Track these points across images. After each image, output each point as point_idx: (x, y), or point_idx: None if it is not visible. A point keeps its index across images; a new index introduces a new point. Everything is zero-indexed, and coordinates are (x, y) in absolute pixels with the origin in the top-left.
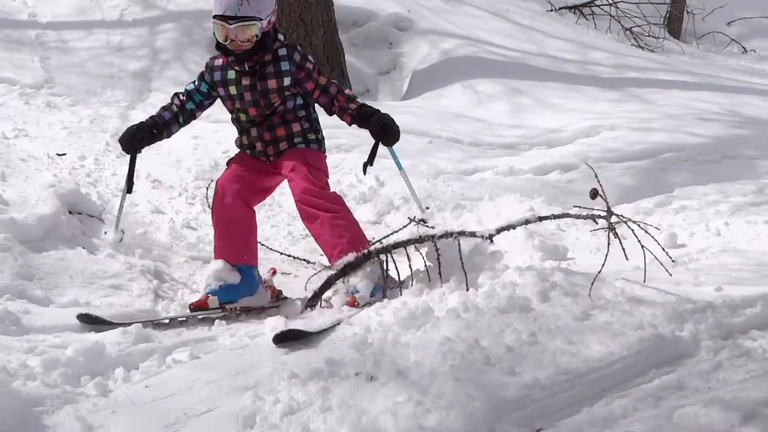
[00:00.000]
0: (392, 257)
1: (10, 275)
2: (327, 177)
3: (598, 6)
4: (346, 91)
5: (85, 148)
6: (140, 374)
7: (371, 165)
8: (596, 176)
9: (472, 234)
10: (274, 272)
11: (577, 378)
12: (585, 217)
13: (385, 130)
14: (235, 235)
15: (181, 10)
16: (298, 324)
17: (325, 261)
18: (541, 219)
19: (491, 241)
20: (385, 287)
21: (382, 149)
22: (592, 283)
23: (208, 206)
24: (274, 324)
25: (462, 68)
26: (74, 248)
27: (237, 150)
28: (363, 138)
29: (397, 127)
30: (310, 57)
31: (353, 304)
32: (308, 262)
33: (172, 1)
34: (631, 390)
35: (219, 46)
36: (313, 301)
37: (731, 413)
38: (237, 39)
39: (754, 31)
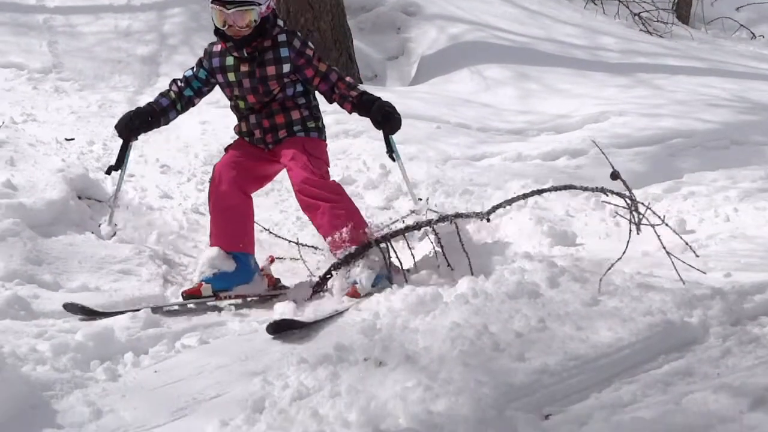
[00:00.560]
0: (392, 246)
1: (19, 260)
2: (327, 165)
3: None
4: (347, 79)
5: (94, 133)
6: (149, 359)
7: (395, 154)
8: (608, 161)
9: (468, 215)
10: (272, 260)
11: (586, 364)
12: (592, 190)
13: (386, 119)
14: (230, 222)
15: None
16: (307, 311)
17: None
18: (537, 192)
19: (488, 220)
20: (390, 276)
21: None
22: (608, 269)
23: None
24: (283, 309)
25: (470, 53)
26: (83, 233)
27: (236, 137)
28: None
29: (399, 115)
30: (310, 43)
31: (354, 294)
32: (316, 248)
33: None
34: (640, 376)
35: (217, 31)
36: (318, 287)
37: (740, 399)
38: (235, 24)
39: (763, 17)
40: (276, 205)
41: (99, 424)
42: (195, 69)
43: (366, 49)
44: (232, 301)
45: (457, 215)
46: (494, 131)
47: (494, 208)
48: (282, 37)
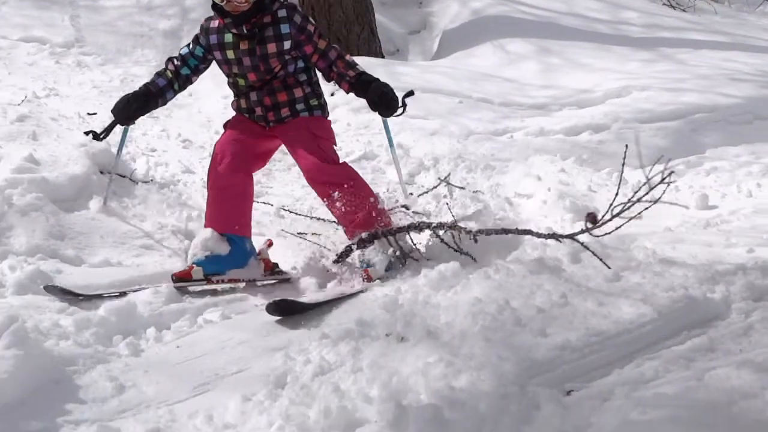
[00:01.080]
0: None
1: (42, 235)
2: (334, 143)
3: None
4: (347, 57)
5: None
6: (172, 334)
7: (389, 141)
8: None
9: (462, 229)
10: (270, 244)
11: (607, 339)
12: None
13: (383, 100)
14: (227, 201)
15: None
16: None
17: None
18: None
19: (475, 241)
20: (403, 260)
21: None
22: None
23: None
24: (305, 286)
25: (492, 28)
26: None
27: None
28: None
29: (396, 97)
30: (310, 18)
31: (367, 277)
32: (338, 223)
33: None
34: (662, 352)
35: (215, 6)
36: (337, 263)
37: (762, 375)
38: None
39: None
40: (297, 180)
41: (121, 399)
42: (191, 46)
43: (388, 23)
44: (225, 285)
45: (453, 226)
46: (517, 106)
47: (480, 232)
48: (282, 13)
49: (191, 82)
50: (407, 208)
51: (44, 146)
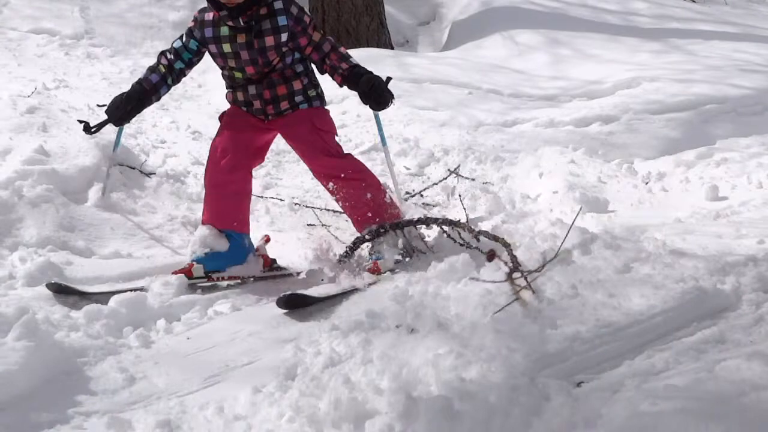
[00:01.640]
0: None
1: (52, 226)
2: (335, 133)
3: None
4: (341, 50)
5: None
6: (182, 325)
7: (381, 138)
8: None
9: (466, 226)
10: (268, 240)
11: (618, 331)
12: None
13: (373, 92)
14: (226, 198)
15: None
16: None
17: None
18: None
19: (478, 240)
20: (411, 253)
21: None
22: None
23: None
24: (314, 279)
25: (502, 19)
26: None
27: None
28: (403, 89)
29: (389, 91)
30: (306, 10)
31: (376, 270)
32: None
33: None
34: (673, 343)
35: None
36: (347, 256)
37: None
38: None
39: None
40: (307, 171)
41: (132, 391)
42: (185, 39)
43: (397, 14)
44: (226, 282)
45: (457, 223)
46: (526, 97)
47: (481, 233)
48: (278, 4)
49: (185, 75)
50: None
51: (54, 138)
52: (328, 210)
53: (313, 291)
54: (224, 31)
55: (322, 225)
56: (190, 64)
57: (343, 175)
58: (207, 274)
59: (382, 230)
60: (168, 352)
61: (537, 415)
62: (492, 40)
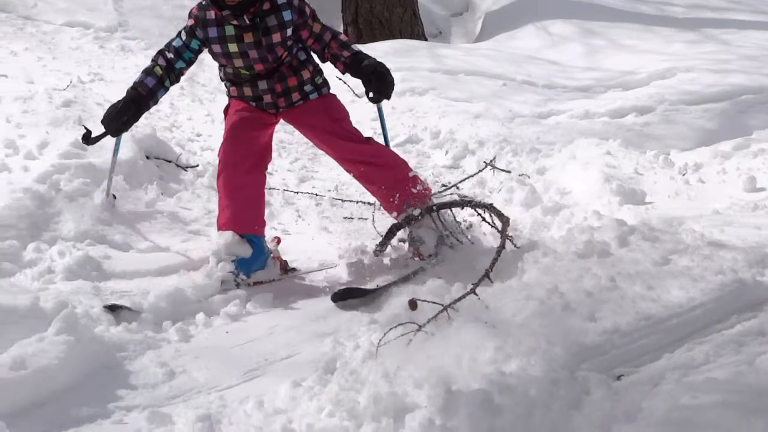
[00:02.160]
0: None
1: (90, 220)
2: (349, 117)
3: None
4: (341, 37)
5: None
6: (221, 320)
7: (382, 127)
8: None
9: (495, 210)
10: (279, 242)
11: (657, 324)
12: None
13: (378, 79)
14: (245, 201)
15: None
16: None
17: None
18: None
19: (507, 224)
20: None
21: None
22: None
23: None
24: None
25: (535, 9)
26: (152, 193)
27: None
28: (437, 80)
29: (392, 78)
30: (306, 1)
31: (418, 255)
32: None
33: None
34: (713, 336)
35: None
36: (382, 247)
37: None
38: None
39: None
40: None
41: (172, 385)
42: (185, 38)
43: (430, 5)
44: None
45: (489, 206)
46: (561, 88)
47: (506, 230)
48: None
49: (183, 74)
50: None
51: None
52: (365, 203)
53: (368, 284)
54: (229, 30)
55: (359, 219)
56: (190, 63)
57: (369, 161)
58: (236, 281)
59: (416, 215)
60: (207, 346)
61: (577, 409)
62: (525, 30)
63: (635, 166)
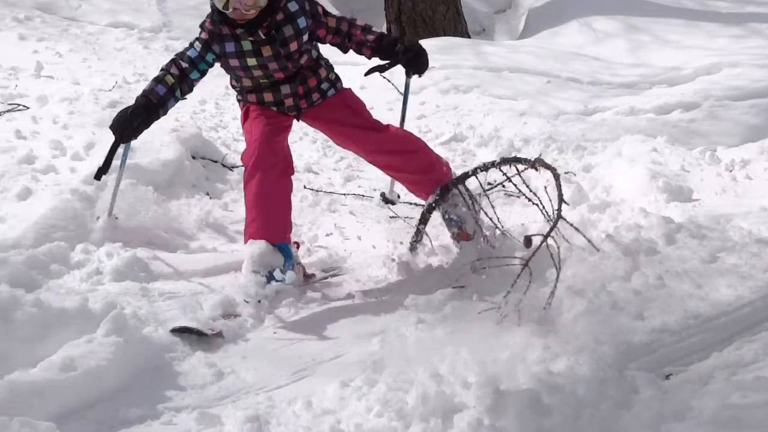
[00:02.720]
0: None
1: (137, 221)
2: (366, 107)
3: None
4: (358, 23)
5: (205, 92)
6: (269, 320)
7: (405, 100)
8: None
9: (543, 163)
10: (298, 246)
11: (705, 322)
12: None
13: (417, 55)
14: (276, 209)
15: None
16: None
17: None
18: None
19: (536, 169)
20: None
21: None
22: None
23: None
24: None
25: (578, 5)
26: (199, 193)
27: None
28: (481, 78)
29: (426, 55)
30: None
31: (465, 236)
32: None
33: None
34: (762, 334)
35: (220, 13)
36: (417, 237)
37: None
38: (240, 6)
39: None
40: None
41: (220, 386)
42: (201, 51)
43: (473, 2)
44: None
45: (527, 161)
46: (605, 85)
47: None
48: (293, 6)
49: (195, 85)
50: (390, 202)
51: None
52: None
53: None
54: (246, 45)
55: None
56: (204, 74)
57: (398, 148)
58: (258, 298)
59: (447, 194)
60: (256, 347)
61: (626, 408)
62: (569, 27)
63: (681, 163)
